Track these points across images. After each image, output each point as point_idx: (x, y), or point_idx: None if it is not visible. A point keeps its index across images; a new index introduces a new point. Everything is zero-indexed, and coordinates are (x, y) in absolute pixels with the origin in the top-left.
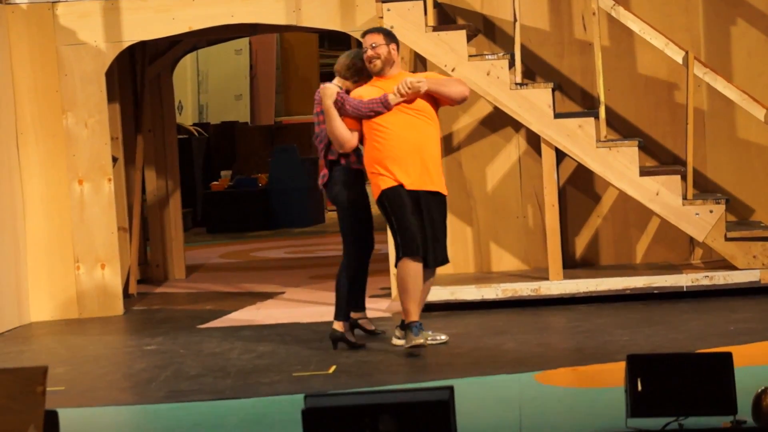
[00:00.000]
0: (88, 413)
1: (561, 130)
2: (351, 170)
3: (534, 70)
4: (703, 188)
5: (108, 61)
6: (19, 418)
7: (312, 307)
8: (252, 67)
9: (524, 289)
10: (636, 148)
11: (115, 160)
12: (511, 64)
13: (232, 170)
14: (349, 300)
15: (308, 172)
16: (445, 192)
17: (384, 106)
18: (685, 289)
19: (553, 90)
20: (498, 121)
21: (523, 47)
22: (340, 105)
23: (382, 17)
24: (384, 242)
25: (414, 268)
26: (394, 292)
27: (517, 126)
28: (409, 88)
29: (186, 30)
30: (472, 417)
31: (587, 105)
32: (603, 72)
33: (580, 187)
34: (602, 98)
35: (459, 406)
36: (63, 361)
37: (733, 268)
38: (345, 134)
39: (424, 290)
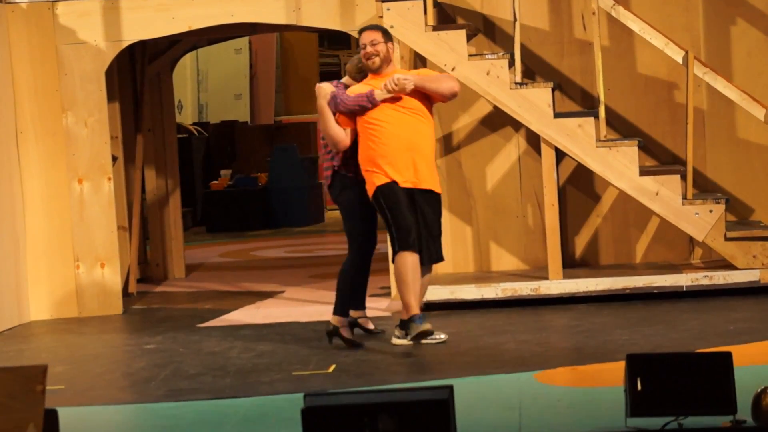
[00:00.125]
0: (88, 412)
1: (561, 129)
2: (351, 176)
3: (534, 69)
4: (703, 188)
5: (108, 60)
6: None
7: (312, 306)
8: (252, 67)
9: (524, 288)
10: (636, 148)
11: (114, 159)
12: (511, 64)
13: (231, 169)
14: (350, 298)
15: (308, 172)
16: (438, 190)
17: (369, 101)
18: (684, 289)
19: (553, 89)
20: (498, 120)
21: (522, 47)
22: (333, 104)
23: (381, 16)
24: (384, 241)
25: (411, 260)
26: (394, 291)
27: (516, 125)
28: (395, 85)
29: (186, 29)
30: (472, 416)
31: (587, 105)
32: (603, 71)
33: (580, 186)
34: (602, 98)
35: (458, 406)
36: (62, 360)
37: (732, 267)
38: (338, 134)
39: (421, 288)
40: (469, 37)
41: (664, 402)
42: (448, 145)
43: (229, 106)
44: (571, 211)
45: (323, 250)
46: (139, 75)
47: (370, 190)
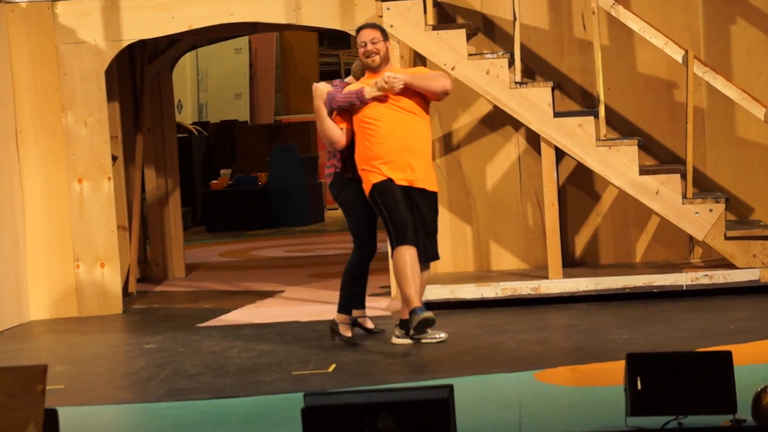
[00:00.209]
0: (88, 412)
1: (561, 129)
2: (350, 176)
3: (534, 68)
4: (703, 187)
5: (107, 59)
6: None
7: (311, 305)
8: (251, 66)
9: (524, 287)
10: (636, 147)
11: (114, 158)
12: (511, 63)
13: (231, 169)
14: (353, 296)
15: (308, 171)
16: (435, 189)
17: (359, 98)
18: (684, 288)
19: (553, 89)
20: (498, 120)
21: (522, 46)
22: (328, 103)
23: (381, 16)
24: (384, 240)
25: (409, 253)
26: (394, 290)
27: (516, 125)
28: (385, 83)
29: (185, 29)
30: (472, 416)
31: (587, 104)
32: (603, 71)
33: (580, 186)
34: (602, 97)
35: (458, 405)
36: (62, 360)
37: (732, 266)
38: (334, 134)
39: (420, 287)
40: (468, 37)
41: (664, 401)
42: (447, 145)
43: (229, 106)
44: (571, 210)
45: (323, 250)
46: (139, 74)
47: (367, 188)
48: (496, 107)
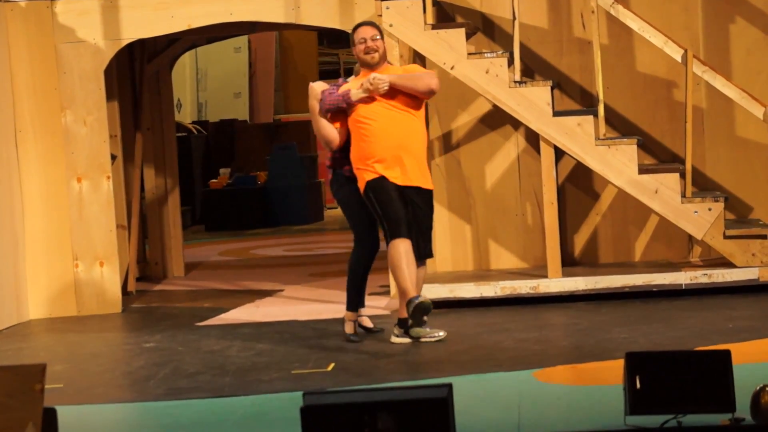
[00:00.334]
0: (87, 411)
1: (560, 128)
2: (348, 174)
3: (533, 68)
4: (702, 186)
5: (107, 58)
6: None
7: (311, 304)
8: (251, 65)
9: (523, 286)
10: (635, 146)
11: (113, 157)
12: (510, 62)
13: (231, 168)
14: (357, 294)
15: (307, 170)
16: (430, 187)
17: (345, 100)
18: (683, 287)
19: (552, 88)
20: (497, 119)
21: (522, 45)
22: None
23: (380, 15)
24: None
25: (404, 246)
26: (393, 290)
27: (516, 124)
28: (371, 84)
29: (185, 28)
30: (471, 415)
31: (586, 103)
32: (602, 70)
33: (579, 185)
34: (601, 96)
35: (458, 404)
36: (61, 359)
37: (731, 265)
38: (329, 133)
39: (416, 282)
40: (468, 36)
41: (663, 400)
42: (447, 144)
43: (229, 105)
44: (570, 209)
45: (322, 249)
46: (138, 74)
47: (361, 186)
48: (495, 106)
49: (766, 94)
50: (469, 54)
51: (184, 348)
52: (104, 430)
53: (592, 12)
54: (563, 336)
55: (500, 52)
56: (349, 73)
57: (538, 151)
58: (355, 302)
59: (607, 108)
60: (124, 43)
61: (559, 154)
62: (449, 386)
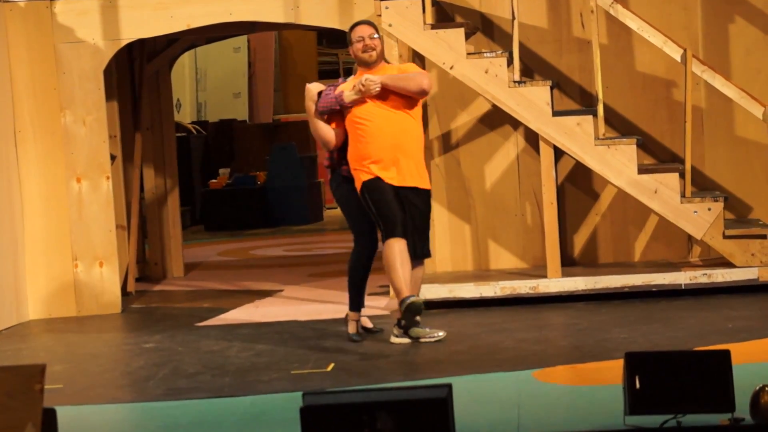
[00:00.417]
0: (86, 411)
1: (559, 127)
2: (345, 174)
3: (532, 67)
4: (702, 186)
5: (106, 58)
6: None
7: (310, 304)
8: (250, 65)
9: (523, 287)
10: (634, 146)
11: (113, 158)
12: (510, 62)
13: (230, 168)
14: (357, 293)
15: (307, 170)
16: (427, 187)
17: (338, 102)
18: (683, 287)
19: (552, 88)
20: (496, 119)
21: (521, 45)
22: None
23: (380, 15)
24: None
25: (398, 246)
26: (392, 290)
27: (515, 124)
28: (362, 86)
29: (184, 28)
30: (471, 415)
31: (585, 103)
32: (601, 70)
33: (579, 185)
34: (600, 96)
35: (457, 404)
36: (61, 359)
37: (731, 265)
38: (326, 134)
39: (413, 284)
40: (467, 36)
41: (663, 400)
42: (446, 144)
43: (228, 105)
44: (570, 209)
45: (322, 249)
46: (138, 74)
47: (358, 186)
48: (494, 106)
49: (765, 93)
50: (469, 54)
51: (184, 348)
52: (104, 430)
53: (592, 12)
54: (563, 336)
55: (499, 51)
56: (348, 72)
57: (538, 151)
58: (356, 302)
59: (606, 108)
60: (124, 43)
61: (559, 153)
62: (449, 386)
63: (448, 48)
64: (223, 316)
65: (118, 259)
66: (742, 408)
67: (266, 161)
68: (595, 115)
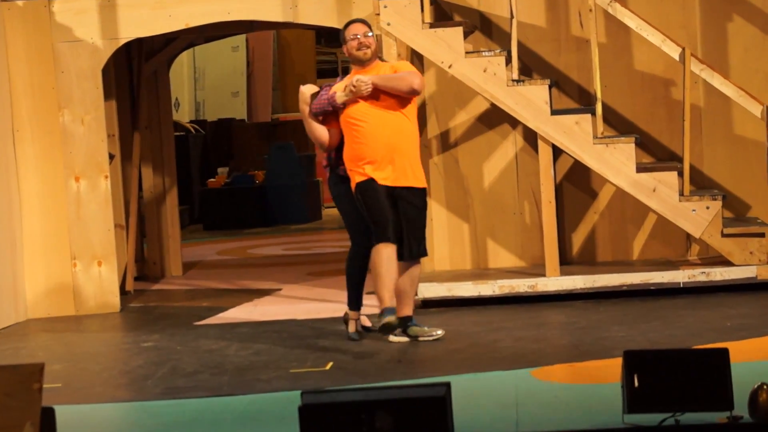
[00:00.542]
0: (85, 410)
1: (558, 126)
2: (342, 173)
3: (531, 66)
4: (700, 185)
5: (104, 58)
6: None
7: (309, 303)
8: (249, 64)
9: (521, 285)
10: (633, 145)
11: (111, 157)
12: (508, 61)
13: (228, 167)
14: (356, 291)
15: (305, 169)
16: (422, 185)
17: (330, 104)
18: (681, 286)
19: (550, 86)
20: (495, 117)
21: (519, 44)
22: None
23: (378, 14)
24: None
25: (386, 252)
26: None
27: (513, 122)
28: (354, 87)
29: (183, 27)
30: (469, 413)
31: (584, 102)
32: (600, 68)
33: (577, 183)
34: (599, 95)
35: (455, 403)
36: (60, 358)
37: (729, 264)
38: (321, 135)
39: (410, 283)
40: (466, 35)
41: (661, 398)
42: (445, 143)
43: (226, 104)
44: (568, 208)
45: (321, 248)
46: (136, 73)
47: (352, 187)
48: (493, 105)
49: (763, 92)
50: (467, 53)
51: (183, 347)
52: (102, 429)
53: (590, 10)
54: (561, 334)
55: (498, 50)
56: (347, 72)
57: (536, 150)
58: (355, 301)
59: (605, 106)
60: (122, 42)
61: (557, 152)
62: (447, 385)
63: (447, 47)
64: (221, 315)
65: (116, 259)
66: (741, 406)
67: (265, 160)
68: (593, 113)
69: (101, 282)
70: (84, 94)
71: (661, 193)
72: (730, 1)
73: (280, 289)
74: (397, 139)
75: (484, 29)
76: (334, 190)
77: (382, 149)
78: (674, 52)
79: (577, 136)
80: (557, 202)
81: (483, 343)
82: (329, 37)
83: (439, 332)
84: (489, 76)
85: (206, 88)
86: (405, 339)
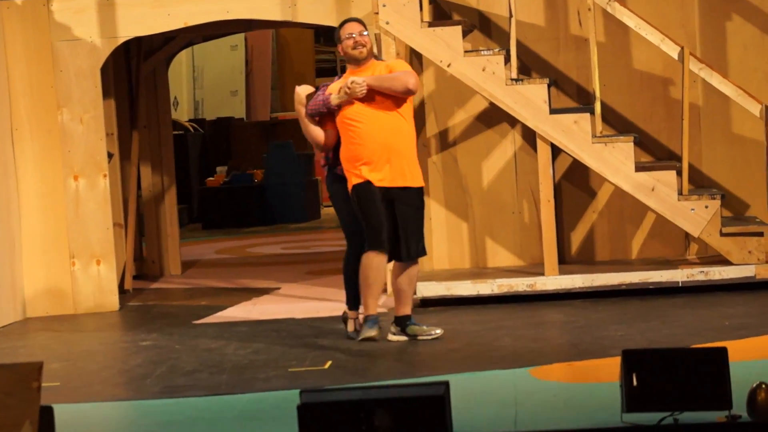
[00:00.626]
0: (84, 409)
1: (556, 125)
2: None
3: (529, 65)
4: (699, 184)
5: (103, 56)
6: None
7: (308, 302)
8: (247, 63)
9: (520, 284)
10: (631, 144)
11: (110, 155)
12: (507, 60)
13: (227, 166)
14: (353, 290)
15: (304, 168)
16: (419, 185)
17: (325, 105)
18: (680, 285)
19: (549, 86)
20: (494, 116)
21: (518, 43)
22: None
23: (377, 13)
24: None
25: (376, 261)
26: (389, 288)
27: (512, 121)
28: (348, 89)
29: (181, 26)
30: (468, 412)
31: (583, 101)
32: (598, 68)
33: (576, 182)
34: (598, 94)
35: (454, 401)
36: (58, 357)
37: (728, 263)
38: (317, 136)
39: (408, 282)
40: (464, 34)
41: (660, 397)
42: (443, 142)
43: (225, 103)
44: (567, 207)
45: (319, 247)
46: (135, 72)
47: (349, 188)
48: (492, 104)
49: (762, 91)
50: (466, 51)
51: (181, 346)
52: (101, 428)
53: (589, 9)
54: (560, 333)
55: (497, 49)
56: (346, 71)
57: (535, 149)
58: (353, 300)
59: (603, 105)
60: (121, 41)
61: (556, 151)
62: (446, 384)
63: (446, 46)
64: (220, 313)
65: (115, 257)
66: (739, 405)
67: (263, 159)
68: (592, 112)
69: (100, 281)
70: (83, 93)
71: (659, 192)
72: (729, 0)
73: (278, 288)
74: (393, 139)
75: (483, 28)
76: (331, 189)
77: (379, 149)
78: (673, 51)
79: (576, 135)
80: (556, 201)
81: (482, 342)
82: (328, 36)
83: (438, 331)
84: (488, 75)
85: (205, 87)
86: (404, 338)
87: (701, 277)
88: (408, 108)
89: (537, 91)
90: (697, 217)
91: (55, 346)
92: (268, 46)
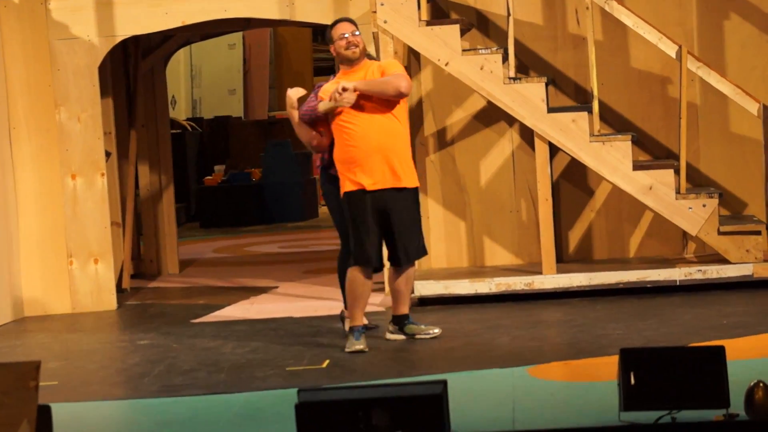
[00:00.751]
0: (82, 408)
1: (554, 124)
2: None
3: (527, 64)
4: (697, 182)
5: (101, 55)
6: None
7: (305, 301)
8: (245, 62)
9: (518, 283)
10: (629, 143)
11: (108, 154)
12: (505, 59)
13: (225, 165)
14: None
15: (301, 167)
16: (414, 185)
17: (314, 112)
18: (678, 283)
19: (547, 84)
20: (492, 115)
21: (516, 42)
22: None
23: (375, 11)
24: None
25: (361, 278)
26: (387, 287)
27: (510, 120)
28: (338, 95)
29: (179, 24)
30: (466, 411)
31: (581, 99)
32: (596, 66)
33: (574, 181)
34: (595, 92)
35: (452, 400)
36: (56, 356)
37: (726, 262)
38: (310, 140)
39: (405, 282)
40: (462, 32)
41: (658, 396)
42: (441, 141)
43: (223, 102)
44: (565, 205)
45: (317, 246)
46: (133, 70)
47: (342, 192)
48: (490, 103)
49: (760, 89)
50: (464, 50)
51: (179, 345)
52: (99, 427)
53: (587, 8)
54: (558, 332)
55: (495, 48)
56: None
57: (533, 148)
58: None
59: (601, 104)
60: (119, 39)
61: (554, 150)
62: (444, 383)
63: (444, 45)
64: (218, 312)
65: (113, 256)
66: (737, 404)
67: (261, 158)
68: (590, 111)
69: (97, 280)
70: (80, 91)
71: (657, 191)
72: None
73: (276, 287)
74: (387, 140)
75: (481, 27)
76: (325, 189)
77: (373, 152)
78: (671, 50)
79: (574, 133)
80: (554, 199)
81: (480, 341)
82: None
83: (436, 330)
84: (486, 74)
85: (203, 86)
86: (402, 337)
87: (699, 276)
88: (401, 109)
89: (535, 89)
90: (694, 215)
91: (53, 345)
92: (266, 44)
